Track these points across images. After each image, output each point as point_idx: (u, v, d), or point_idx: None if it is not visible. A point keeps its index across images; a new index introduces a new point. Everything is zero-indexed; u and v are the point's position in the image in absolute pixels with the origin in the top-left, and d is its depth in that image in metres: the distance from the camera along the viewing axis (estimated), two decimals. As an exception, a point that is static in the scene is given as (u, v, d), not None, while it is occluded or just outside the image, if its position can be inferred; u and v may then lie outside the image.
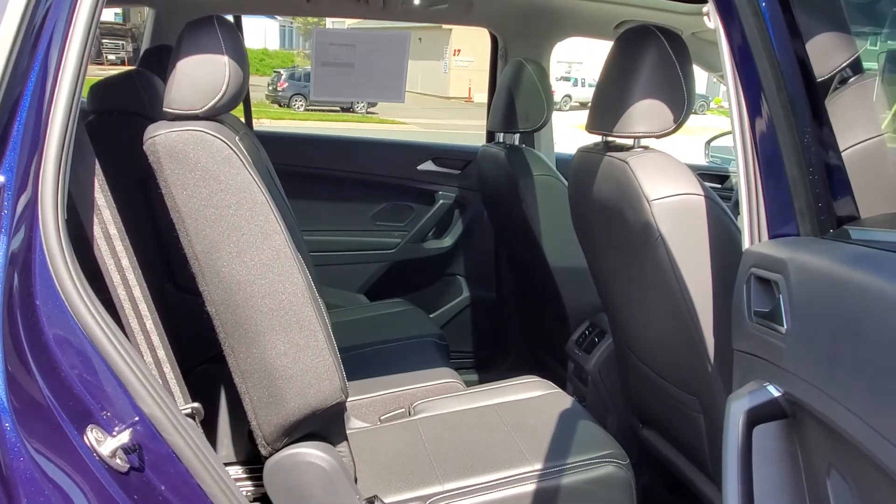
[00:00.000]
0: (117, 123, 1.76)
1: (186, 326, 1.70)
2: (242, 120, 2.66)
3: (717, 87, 29.69)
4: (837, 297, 0.85)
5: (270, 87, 20.37)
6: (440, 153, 2.92)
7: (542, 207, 2.28)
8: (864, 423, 0.75)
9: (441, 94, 24.87)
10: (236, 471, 1.77)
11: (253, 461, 1.75)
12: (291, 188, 2.82)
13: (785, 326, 0.93)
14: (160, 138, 1.27)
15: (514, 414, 1.76)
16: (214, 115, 1.35)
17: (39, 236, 1.04)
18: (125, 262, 1.28)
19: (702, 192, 1.47)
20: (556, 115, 2.66)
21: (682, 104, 1.53)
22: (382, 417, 1.92)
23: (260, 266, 1.32)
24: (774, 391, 0.94)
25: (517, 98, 2.37)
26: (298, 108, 19.16)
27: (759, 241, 1.13)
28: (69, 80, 1.04)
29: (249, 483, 1.75)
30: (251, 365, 1.36)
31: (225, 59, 1.33)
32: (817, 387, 0.81)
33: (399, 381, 1.99)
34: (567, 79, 24.67)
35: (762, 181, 1.12)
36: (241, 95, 1.44)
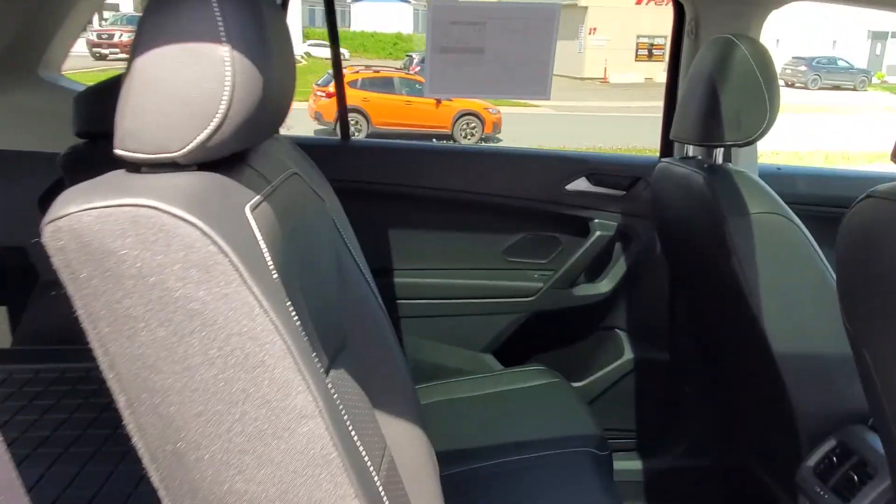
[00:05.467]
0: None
1: None
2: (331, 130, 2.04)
3: (879, 60, 26.99)
4: None
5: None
6: (598, 167, 2.16)
7: (764, 264, 1.50)
8: None
9: (575, 75, 23.75)
10: None
11: None
12: (392, 214, 2.17)
13: None
14: (66, 223, 0.62)
15: None
16: (208, 158, 0.71)
17: None
18: None
19: None
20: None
21: None
22: None
23: (281, 479, 0.65)
24: None
25: (723, 94, 1.58)
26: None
27: None
28: None
29: None
30: None
31: (226, 52, 0.68)
32: None
33: None
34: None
35: None
36: (273, 119, 0.79)
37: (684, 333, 2.17)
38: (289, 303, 0.68)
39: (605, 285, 2.19)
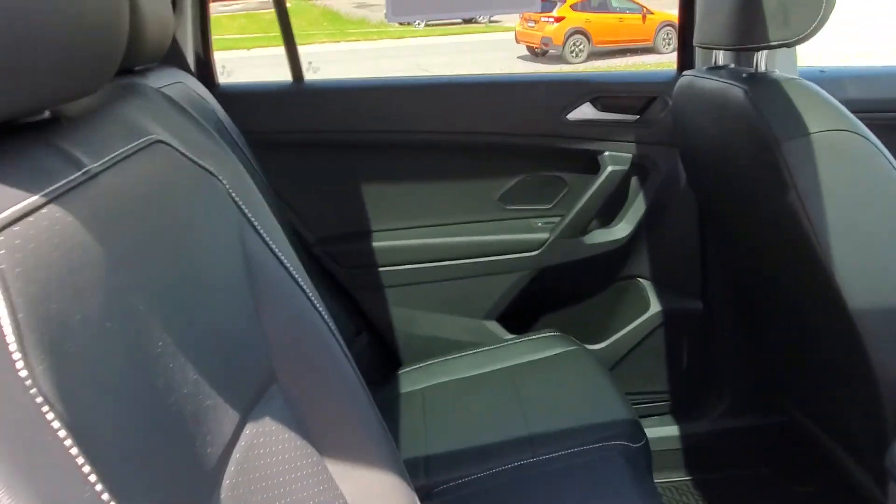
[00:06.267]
0: None
1: None
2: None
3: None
4: None
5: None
6: (604, 89, 1.79)
7: (834, 196, 1.16)
8: None
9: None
10: None
11: None
12: (363, 166, 1.83)
13: None
14: None
15: None
16: None
17: None
18: None
19: None
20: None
21: None
22: None
23: None
24: None
25: None
26: (418, 24, 17.85)
27: None
28: None
29: None
30: None
31: None
32: None
33: None
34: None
35: None
36: (86, 62, 0.46)
37: (719, 278, 1.84)
38: (40, 400, 0.36)
39: (622, 229, 1.86)
